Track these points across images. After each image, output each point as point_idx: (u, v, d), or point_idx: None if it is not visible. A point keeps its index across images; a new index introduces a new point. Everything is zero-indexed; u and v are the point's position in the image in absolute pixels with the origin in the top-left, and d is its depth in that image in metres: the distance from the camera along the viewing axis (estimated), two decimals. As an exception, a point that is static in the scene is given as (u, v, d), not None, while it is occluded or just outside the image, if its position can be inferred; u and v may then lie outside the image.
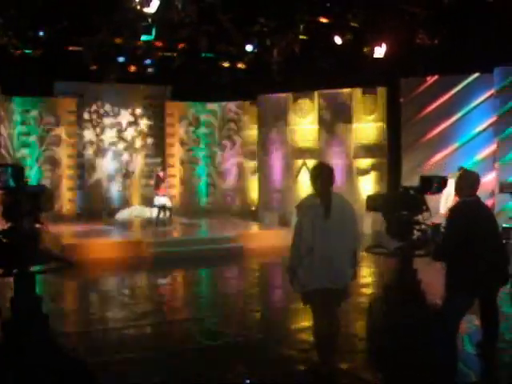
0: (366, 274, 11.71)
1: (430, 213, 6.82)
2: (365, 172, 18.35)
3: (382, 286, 7.59)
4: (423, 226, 6.78)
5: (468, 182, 6.13)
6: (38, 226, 5.23)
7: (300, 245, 5.85)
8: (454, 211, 6.06)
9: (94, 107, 20.85)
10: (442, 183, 6.99)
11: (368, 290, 10.37)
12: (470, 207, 6.00)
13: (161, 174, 18.08)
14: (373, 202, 7.17)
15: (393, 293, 7.09)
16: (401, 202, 6.89)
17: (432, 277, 7.32)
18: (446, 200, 13.48)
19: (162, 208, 17.38)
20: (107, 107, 21.01)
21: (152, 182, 19.77)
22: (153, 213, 17.66)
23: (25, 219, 5.04)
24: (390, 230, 6.91)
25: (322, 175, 5.99)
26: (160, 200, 17.34)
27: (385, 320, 7.01)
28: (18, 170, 5.09)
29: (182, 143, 21.84)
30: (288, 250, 6.05)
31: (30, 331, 5.20)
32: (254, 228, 18.30)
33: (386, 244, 7.12)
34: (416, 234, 6.80)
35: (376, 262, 11.06)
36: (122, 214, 20.10)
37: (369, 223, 15.29)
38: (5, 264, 4.81)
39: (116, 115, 21.14)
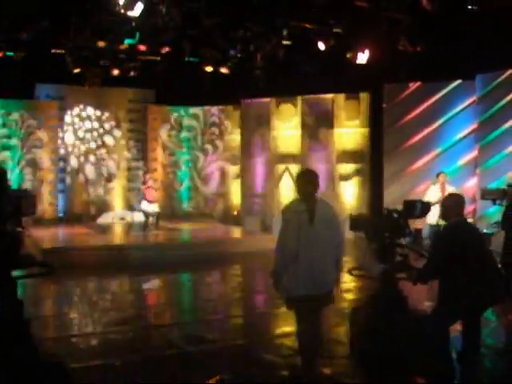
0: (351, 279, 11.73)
1: (413, 237, 6.88)
2: (347, 177, 18.41)
3: (366, 292, 7.61)
4: (405, 250, 6.85)
5: (456, 203, 6.20)
6: (19, 230, 5.19)
7: (284, 250, 5.86)
8: (443, 231, 6.15)
9: (76, 110, 20.75)
10: (425, 208, 7.04)
11: (351, 296, 10.38)
12: (460, 226, 6.08)
13: (149, 181, 17.81)
14: (356, 223, 7.21)
15: (376, 298, 7.12)
16: (384, 225, 6.92)
17: (414, 290, 7.35)
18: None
19: (150, 214, 17.23)
20: (89, 110, 20.92)
21: (135, 186, 19.72)
22: (135, 217, 17.55)
23: (7, 223, 5.00)
24: (372, 250, 6.96)
25: (307, 181, 5.99)
26: (149, 206, 17.15)
27: (368, 325, 7.02)
28: (1, 174, 5.04)
29: (165, 147, 21.80)
30: (271, 255, 6.05)
31: (12, 336, 5.15)
32: (236, 233, 18.29)
33: (369, 266, 7.16)
34: (398, 257, 6.85)
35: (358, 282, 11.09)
36: (104, 218, 20.02)
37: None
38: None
39: (98, 119, 21.05)
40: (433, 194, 13.31)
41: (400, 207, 6.98)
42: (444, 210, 6.23)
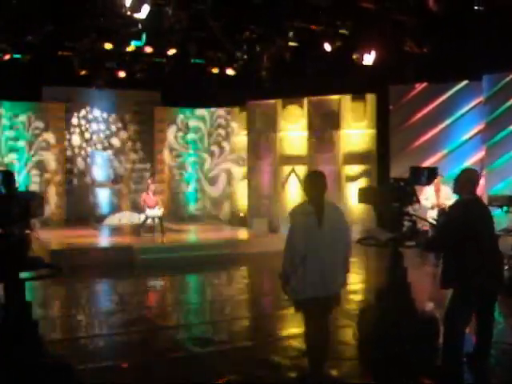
0: (359, 280, 11.70)
1: (419, 204, 6.84)
2: (353, 179, 18.38)
3: (373, 292, 7.59)
4: (413, 218, 6.81)
5: (469, 179, 6.12)
6: (27, 231, 5.20)
7: (293, 252, 5.85)
8: (455, 207, 6.03)
9: (82, 112, 20.79)
10: (432, 174, 7.00)
11: (358, 297, 10.37)
12: (472, 204, 6.00)
13: (151, 186, 17.80)
14: (364, 195, 7.19)
15: (383, 299, 7.10)
16: (391, 194, 6.89)
17: (423, 276, 7.34)
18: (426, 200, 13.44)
19: (152, 218, 17.24)
20: (96, 112, 20.96)
21: (141, 188, 19.77)
22: (141, 219, 17.56)
23: (16, 225, 5.01)
24: (381, 221, 6.92)
25: (315, 183, 5.99)
26: (151, 212, 17.14)
27: (375, 327, 7.01)
28: (9, 176, 5.06)
29: (171, 149, 21.83)
30: (277, 257, 6.04)
31: (20, 338, 5.17)
32: (243, 234, 18.28)
33: (378, 235, 7.12)
34: (406, 225, 6.82)
35: (367, 254, 11.01)
36: (111, 220, 20.05)
37: (358, 230, 15.37)
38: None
39: (105, 121, 21.09)
40: (428, 197, 13.34)
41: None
42: (456, 185, 6.14)
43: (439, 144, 16.57)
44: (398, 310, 6.86)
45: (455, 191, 6.17)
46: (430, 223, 6.69)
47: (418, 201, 6.88)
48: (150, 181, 18.49)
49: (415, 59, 15.28)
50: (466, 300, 5.90)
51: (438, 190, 13.54)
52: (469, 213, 5.90)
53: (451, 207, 6.08)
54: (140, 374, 6.78)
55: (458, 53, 14.44)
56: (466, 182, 6.09)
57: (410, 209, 6.88)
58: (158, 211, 17.17)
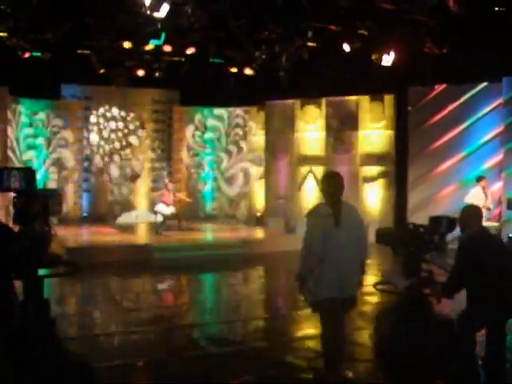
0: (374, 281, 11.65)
1: (436, 245, 6.81)
2: (371, 180, 18.32)
3: (389, 295, 7.57)
4: (430, 266, 6.81)
5: (474, 214, 6.19)
6: (46, 229, 5.22)
7: (310, 253, 5.85)
8: (462, 243, 6.04)
9: (101, 110, 20.88)
10: (451, 224, 6.99)
11: (374, 298, 10.34)
12: (479, 237, 6.03)
13: (169, 184, 17.86)
14: (382, 236, 7.17)
15: (400, 301, 7.08)
16: (410, 240, 6.89)
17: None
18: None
19: (169, 217, 17.29)
20: (114, 111, 21.04)
21: (159, 186, 19.84)
22: (157, 217, 17.61)
23: (35, 223, 5.04)
24: (398, 265, 6.94)
25: (333, 183, 5.98)
26: (165, 209, 17.19)
27: (392, 328, 6.99)
28: (30, 174, 5.08)
29: (189, 148, 21.87)
30: (294, 257, 6.04)
31: (38, 335, 5.19)
32: (260, 234, 18.27)
33: (394, 281, 7.12)
34: (423, 273, 6.80)
35: (384, 254, 10.97)
36: (128, 218, 20.12)
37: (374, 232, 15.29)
38: (15, 268, 4.80)
39: (123, 119, 21.17)
40: (476, 196, 13.48)
41: (425, 211, 6.96)
42: (461, 222, 6.18)
43: (458, 146, 16.47)
44: (414, 313, 6.83)
45: (461, 229, 6.20)
46: (447, 270, 6.67)
47: (436, 249, 6.88)
48: (167, 180, 18.52)
49: (434, 60, 15.21)
50: (476, 320, 5.96)
51: (485, 193, 13.80)
52: (473, 245, 5.96)
53: (459, 245, 6.07)
54: (156, 373, 6.80)
55: (478, 54, 14.34)
56: (470, 217, 6.16)
57: (427, 256, 6.88)
58: (172, 209, 17.21)
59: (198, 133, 21.94)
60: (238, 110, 21.71)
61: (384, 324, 7.16)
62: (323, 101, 18.86)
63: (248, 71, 17.47)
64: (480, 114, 16.31)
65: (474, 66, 14.93)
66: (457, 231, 6.34)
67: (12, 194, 5.14)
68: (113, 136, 21.04)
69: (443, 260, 6.85)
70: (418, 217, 11.73)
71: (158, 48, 16.11)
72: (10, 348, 4.85)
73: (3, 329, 4.59)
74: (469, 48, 14.45)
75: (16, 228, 5.04)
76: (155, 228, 17.25)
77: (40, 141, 19.77)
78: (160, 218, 17.29)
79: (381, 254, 12.35)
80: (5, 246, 4.50)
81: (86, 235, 17.47)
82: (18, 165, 17.53)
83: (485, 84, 16.28)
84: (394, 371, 6.70)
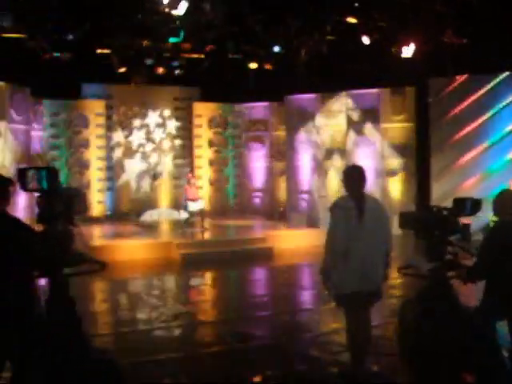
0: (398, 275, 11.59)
1: (461, 233, 6.72)
2: (393, 172, 18.24)
3: (414, 288, 7.53)
4: (455, 248, 6.72)
5: (505, 200, 5.96)
6: (71, 228, 5.25)
7: (334, 247, 5.84)
8: (492, 230, 5.90)
9: (122, 109, 20.96)
10: (476, 206, 6.90)
11: (399, 292, 10.30)
12: (504, 227, 5.82)
13: (192, 179, 17.93)
14: (405, 220, 7.12)
15: (424, 294, 7.04)
16: (434, 222, 6.81)
17: (465, 288, 7.24)
18: None
19: (197, 213, 17.36)
20: (135, 109, 21.12)
21: (181, 183, 19.90)
22: (181, 214, 17.67)
23: (59, 221, 5.07)
24: (422, 249, 6.86)
25: (355, 177, 5.97)
26: (193, 205, 17.25)
27: (416, 322, 6.96)
28: (53, 173, 5.10)
29: (210, 144, 21.92)
30: (317, 251, 6.02)
31: (65, 333, 5.23)
32: (283, 229, 18.26)
33: (417, 264, 7.05)
34: (448, 256, 6.74)
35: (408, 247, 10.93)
36: (151, 216, 20.20)
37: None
38: (39, 267, 4.83)
39: (144, 117, 21.25)
40: None
41: (448, 203, 6.87)
42: (496, 206, 5.97)
43: (480, 137, 16.36)
44: (438, 304, 6.80)
45: (495, 214, 6.00)
46: (474, 254, 6.58)
47: (460, 231, 6.78)
48: (190, 174, 18.58)
49: (455, 51, 15.08)
50: (494, 311, 5.83)
51: None
52: (500, 234, 5.76)
53: (491, 230, 5.94)
54: (181, 369, 6.83)
55: (499, 43, 14.20)
56: (505, 202, 5.94)
57: (452, 239, 6.79)
58: (199, 204, 17.27)
59: (219, 129, 21.97)
60: (259, 106, 21.70)
61: (408, 316, 7.13)
62: (344, 94, 18.80)
63: (267, 66, 17.44)
64: (502, 104, 16.18)
65: (495, 56, 14.79)
66: (481, 223, 6.29)
67: (36, 194, 5.17)
68: (134, 134, 21.11)
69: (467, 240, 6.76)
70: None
71: (177, 45, 16.13)
72: (36, 346, 4.88)
73: (22, 327, 4.63)
74: (489, 37, 14.31)
75: (40, 227, 5.07)
76: (185, 226, 17.29)
77: (62, 141, 19.92)
78: (185, 215, 17.35)
79: (405, 247, 12.30)
80: (20, 239, 4.54)
81: (109, 233, 17.56)
82: (41, 165, 17.65)
83: (507, 73, 16.14)
84: (418, 364, 6.67)
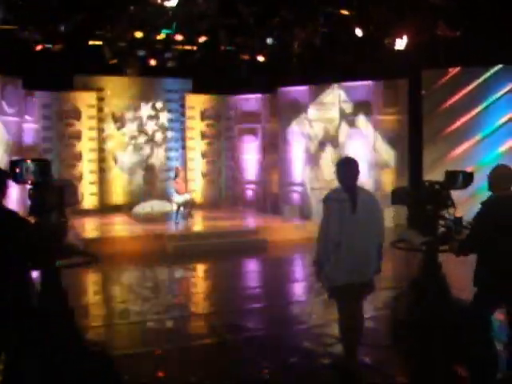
0: (391, 267, 11.63)
1: (454, 208, 6.72)
2: (386, 165, 18.26)
3: (407, 280, 7.56)
4: (448, 222, 6.71)
5: (503, 174, 5.81)
6: (63, 220, 5.25)
7: (327, 239, 5.84)
8: (485, 205, 5.70)
9: (114, 101, 20.89)
10: (467, 178, 6.89)
11: (392, 284, 10.32)
12: (504, 201, 5.67)
13: (181, 172, 17.95)
14: (398, 196, 7.13)
15: (417, 286, 7.07)
16: (426, 197, 6.82)
17: (457, 270, 7.27)
18: None
19: (183, 205, 17.38)
20: (127, 101, 21.04)
21: (173, 176, 19.86)
22: (172, 207, 17.67)
23: (51, 214, 5.07)
24: (414, 224, 6.86)
25: (348, 169, 5.97)
26: (180, 198, 17.28)
27: (409, 314, 6.99)
28: (45, 165, 5.10)
29: (202, 136, 21.89)
30: (311, 243, 6.03)
31: (56, 324, 5.23)
32: (276, 221, 18.27)
33: (410, 238, 7.06)
34: (441, 229, 6.74)
35: (400, 256, 11.01)
36: (143, 208, 20.15)
37: (390, 216, 15.22)
38: (32, 259, 4.82)
39: (136, 109, 21.18)
40: None
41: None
42: (490, 181, 5.79)
43: (473, 129, 16.38)
44: (432, 296, 6.83)
45: (489, 189, 5.83)
46: (466, 227, 6.57)
47: (453, 205, 6.75)
48: (179, 167, 18.56)
49: (448, 43, 15.08)
50: (488, 298, 5.72)
51: None
52: (492, 210, 5.63)
53: (483, 203, 5.72)
54: (174, 361, 6.83)
55: (492, 36, 14.21)
56: (499, 178, 5.77)
57: (444, 212, 6.77)
58: (186, 197, 17.27)
59: (211, 121, 21.94)
60: (251, 97, 21.66)
61: (400, 308, 7.17)
62: (336, 86, 18.79)
63: (260, 58, 17.41)
64: (495, 97, 16.20)
65: (488, 49, 14.79)
66: (468, 217, 6.20)
67: (28, 186, 5.16)
68: (126, 126, 21.05)
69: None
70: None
71: (169, 37, 16.08)
72: (28, 337, 4.87)
73: (19, 319, 4.61)
74: (482, 30, 14.30)
75: (32, 219, 5.06)
76: (175, 219, 17.29)
77: (54, 132, 19.84)
78: (174, 207, 17.36)
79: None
80: (18, 234, 4.51)
81: (101, 226, 17.53)
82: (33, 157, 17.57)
83: (499, 66, 16.16)
84: (411, 355, 6.71)
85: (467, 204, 7.06)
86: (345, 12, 14.82)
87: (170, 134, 21.58)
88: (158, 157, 21.39)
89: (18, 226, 4.54)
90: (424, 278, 6.97)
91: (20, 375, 4.86)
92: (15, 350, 4.72)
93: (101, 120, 20.62)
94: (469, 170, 13.60)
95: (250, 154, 21.68)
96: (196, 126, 21.80)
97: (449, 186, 6.82)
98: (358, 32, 15.18)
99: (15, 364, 4.80)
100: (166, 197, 20.09)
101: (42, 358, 5.11)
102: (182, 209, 17.40)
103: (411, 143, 17.91)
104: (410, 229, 7.05)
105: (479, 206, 5.72)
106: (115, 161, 20.87)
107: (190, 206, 17.52)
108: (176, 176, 17.74)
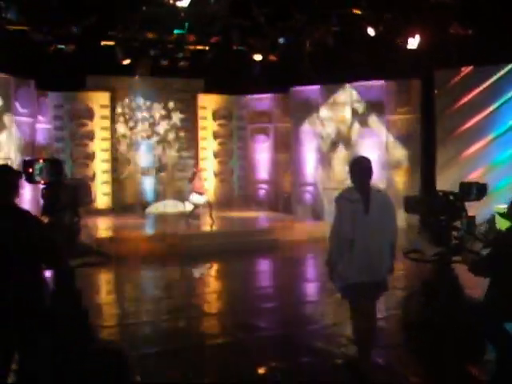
0: (403, 267, 11.59)
1: (465, 225, 6.66)
2: (398, 164, 18.23)
3: (420, 280, 7.52)
4: (461, 233, 6.68)
5: None
6: (77, 219, 5.26)
7: (339, 239, 5.84)
8: (504, 238, 5.56)
9: (126, 101, 20.95)
10: (482, 190, 6.86)
11: (404, 283, 10.29)
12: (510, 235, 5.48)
13: (199, 173, 17.90)
14: (410, 205, 7.09)
15: (429, 286, 7.04)
16: (440, 207, 6.79)
17: (471, 280, 7.21)
18: None
19: (201, 205, 17.32)
20: (140, 101, 21.10)
21: (185, 175, 19.89)
22: (186, 206, 17.66)
23: (64, 213, 5.08)
24: (427, 234, 6.83)
25: (361, 168, 5.95)
26: (199, 198, 17.19)
27: (421, 313, 6.96)
28: (57, 165, 5.12)
29: (215, 136, 21.91)
30: (321, 243, 6.02)
31: (71, 324, 5.25)
32: (287, 221, 18.25)
33: (422, 249, 7.02)
34: (454, 240, 6.70)
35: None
36: (156, 208, 20.21)
37: (403, 216, 15.16)
38: (45, 258, 4.83)
39: (149, 109, 21.23)
40: None
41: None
42: (509, 211, 5.62)
43: (486, 129, 16.29)
44: (445, 296, 6.79)
45: (509, 217, 5.66)
46: (479, 239, 6.52)
47: (467, 216, 6.72)
48: (198, 167, 18.55)
49: (460, 42, 15.02)
50: (493, 317, 5.66)
51: None
52: (506, 242, 5.45)
53: (504, 234, 5.59)
54: (186, 360, 6.84)
55: (504, 35, 14.13)
56: None
57: (458, 223, 6.74)
58: (205, 198, 17.23)
59: (223, 121, 21.95)
60: (263, 97, 21.66)
61: (412, 308, 7.13)
62: (349, 86, 18.76)
63: (272, 58, 17.40)
64: (508, 96, 16.10)
65: (501, 47, 14.72)
66: (486, 214, 6.19)
67: (41, 186, 5.18)
68: (138, 126, 21.11)
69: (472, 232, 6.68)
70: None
71: (181, 37, 16.11)
72: (42, 337, 4.89)
73: (33, 318, 4.63)
74: (494, 29, 14.24)
75: (45, 219, 5.08)
76: (191, 218, 17.25)
77: (66, 133, 19.92)
78: (190, 207, 17.32)
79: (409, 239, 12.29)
80: (31, 234, 4.52)
81: (114, 225, 17.58)
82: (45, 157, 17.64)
83: (512, 65, 16.08)
84: (424, 356, 6.68)
85: (479, 204, 6.97)
86: (357, 11, 14.79)
87: (182, 134, 21.61)
88: (171, 157, 21.42)
89: (31, 226, 4.56)
90: (436, 278, 6.94)
91: (32, 375, 4.87)
92: (27, 351, 4.73)
93: (113, 120, 20.67)
94: (481, 170, 13.62)
95: (262, 154, 21.69)
96: (208, 125, 21.83)
97: (463, 197, 6.78)
98: (371, 31, 15.15)
99: (28, 364, 4.81)
100: (178, 196, 20.13)
101: (54, 358, 5.12)
102: (198, 208, 17.34)
103: (424, 143, 17.87)
104: (423, 238, 7.01)
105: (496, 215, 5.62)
106: (128, 161, 20.92)
107: (210, 207, 17.35)
108: (194, 176, 17.69)
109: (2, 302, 4.45)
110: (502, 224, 13.05)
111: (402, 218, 14.78)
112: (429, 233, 6.82)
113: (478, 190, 6.83)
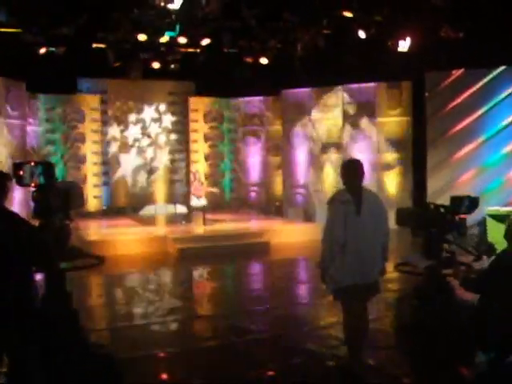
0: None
1: (456, 228, 6.69)
2: (389, 167, 18.25)
3: (411, 282, 7.54)
4: (452, 246, 6.72)
5: None
6: (67, 222, 5.25)
7: (331, 240, 5.84)
8: (499, 260, 5.53)
9: (117, 104, 20.91)
10: (473, 204, 6.90)
11: (396, 286, 10.31)
12: (506, 262, 5.44)
13: (197, 176, 17.96)
14: (401, 217, 7.12)
15: (422, 288, 7.05)
16: (431, 220, 6.81)
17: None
18: None
19: (199, 209, 17.34)
20: (131, 104, 21.07)
21: (177, 178, 19.88)
22: (177, 209, 17.64)
23: (55, 216, 5.07)
24: (419, 246, 6.88)
25: (353, 171, 5.96)
26: (197, 202, 17.24)
27: (413, 315, 6.97)
28: (48, 168, 5.10)
29: (206, 139, 21.88)
30: (313, 246, 6.02)
31: (61, 327, 5.23)
32: (279, 223, 18.26)
33: (414, 262, 7.05)
34: (445, 254, 6.73)
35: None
36: (147, 210, 20.18)
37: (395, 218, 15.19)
38: (36, 261, 4.81)
39: (140, 111, 21.20)
40: None
41: (444, 197, 6.89)
42: (506, 234, 5.53)
43: (477, 131, 16.31)
44: (435, 298, 6.81)
45: (505, 238, 5.57)
46: (471, 252, 6.56)
47: (458, 230, 6.75)
48: (195, 171, 18.56)
49: (451, 45, 15.05)
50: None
51: None
52: (499, 269, 5.45)
53: (498, 258, 5.56)
54: (178, 363, 6.82)
55: (495, 38, 14.17)
56: None
57: (449, 236, 6.77)
58: (202, 201, 17.27)
59: (214, 124, 21.93)
60: (255, 100, 21.67)
61: (405, 310, 7.15)
62: (340, 88, 18.79)
63: (263, 60, 17.39)
64: (498, 99, 16.13)
65: (491, 50, 14.75)
66: (477, 217, 6.22)
67: (31, 189, 5.16)
68: (130, 129, 21.07)
69: (464, 242, 6.73)
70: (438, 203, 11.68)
71: (172, 40, 16.08)
72: (30, 339, 4.87)
73: (23, 320, 4.61)
74: (485, 32, 14.28)
75: (36, 222, 5.06)
76: (179, 220, 17.26)
77: (57, 136, 19.86)
78: (182, 210, 17.33)
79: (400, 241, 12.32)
80: (18, 236, 4.50)
81: (106, 228, 17.54)
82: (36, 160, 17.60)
83: (502, 68, 16.11)
84: (415, 358, 6.69)
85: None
86: (348, 14, 14.81)
87: (173, 136, 21.59)
88: (162, 159, 21.40)
89: (20, 228, 4.54)
90: (428, 282, 6.96)
91: (23, 377, 4.85)
92: (18, 352, 4.71)
93: (104, 123, 20.64)
94: (472, 171, 13.64)
95: (254, 157, 21.68)
96: (199, 128, 21.80)
97: (454, 210, 6.81)
98: (362, 34, 15.17)
99: (18, 366, 4.79)
100: (169, 199, 20.13)
101: (44, 360, 5.10)
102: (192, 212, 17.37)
103: (415, 145, 17.91)
104: (414, 251, 7.06)
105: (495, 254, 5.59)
106: (119, 163, 20.88)
107: (205, 211, 17.36)
108: (193, 180, 17.73)
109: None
110: (492, 227, 13.12)
111: (393, 220, 14.89)
112: (420, 245, 6.86)
113: (470, 203, 6.87)
